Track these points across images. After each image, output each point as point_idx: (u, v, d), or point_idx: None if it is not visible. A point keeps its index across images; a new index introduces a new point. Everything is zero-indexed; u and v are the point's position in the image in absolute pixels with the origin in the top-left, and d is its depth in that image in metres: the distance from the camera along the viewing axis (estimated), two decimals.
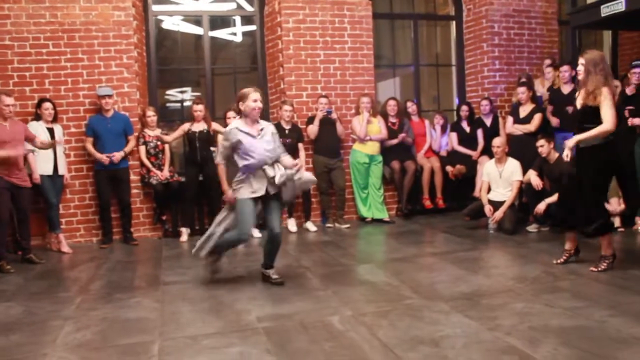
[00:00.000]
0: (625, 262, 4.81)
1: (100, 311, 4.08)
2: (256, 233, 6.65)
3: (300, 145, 7.19)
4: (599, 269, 4.54)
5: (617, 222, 6.07)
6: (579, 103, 4.60)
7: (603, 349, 3.02)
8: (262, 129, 4.50)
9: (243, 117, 4.51)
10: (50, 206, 6.22)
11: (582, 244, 4.99)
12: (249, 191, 4.44)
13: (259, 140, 4.44)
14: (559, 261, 4.89)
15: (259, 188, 4.44)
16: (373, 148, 7.37)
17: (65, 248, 6.26)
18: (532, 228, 6.41)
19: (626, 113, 6.06)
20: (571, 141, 4.59)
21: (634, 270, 4.58)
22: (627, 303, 3.80)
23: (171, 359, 3.16)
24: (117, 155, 6.49)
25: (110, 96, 6.51)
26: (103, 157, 6.41)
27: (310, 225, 7.05)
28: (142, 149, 6.78)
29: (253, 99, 4.43)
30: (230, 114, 6.76)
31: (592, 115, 4.45)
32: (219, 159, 4.60)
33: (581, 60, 4.51)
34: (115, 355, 3.25)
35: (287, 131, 7.07)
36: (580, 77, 4.55)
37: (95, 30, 6.72)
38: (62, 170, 6.36)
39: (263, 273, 4.71)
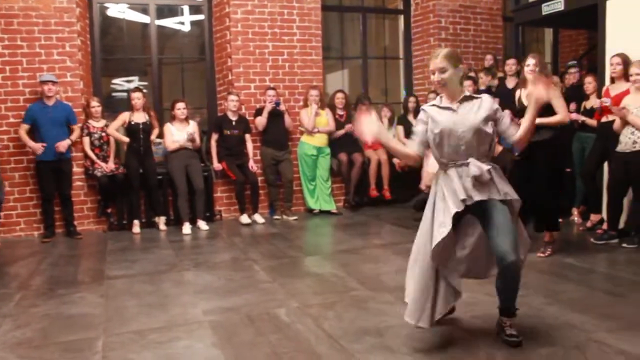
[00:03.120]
0: (562, 252, 5.02)
1: (42, 308, 3.99)
2: None
3: (248, 137, 7.18)
4: (546, 254, 4.90)
5: None
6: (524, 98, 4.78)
7: (540, 335, 3.16)
8: (463, 102, 3.10)
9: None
10: None
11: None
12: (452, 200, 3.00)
13: (459, 115, 3.07)
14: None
15: (455, 192, 3.00)
16: (321, 140, 7.42)
17: None
18: None
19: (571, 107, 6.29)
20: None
21: (570, 259, 4.80)
22: (562, 291, 3.97)
23: (116, 355, 3.12)
24: (64, 144, 6.27)
25: (52, 82, 6.30)
26: (37, 147, 6.17)
27: (257, 217, 7.03)
28: (86, 140, 6.62)
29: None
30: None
31: (541, 110, 4.65)
32: (415, 148, 3.19)
33: (532, 61, 4.77)
34: (57, 352, 3.18)
35: (234, 122, 7.05)
36: (531, 75, 4.70)
37: (35, 16, 6.48)
38: None
39: (498, 321, 3.20)
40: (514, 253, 2.90)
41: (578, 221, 6.28)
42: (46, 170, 6.30)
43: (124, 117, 6.57)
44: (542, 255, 4.90)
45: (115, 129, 6.58)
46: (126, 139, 6.56)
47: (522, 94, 4.92)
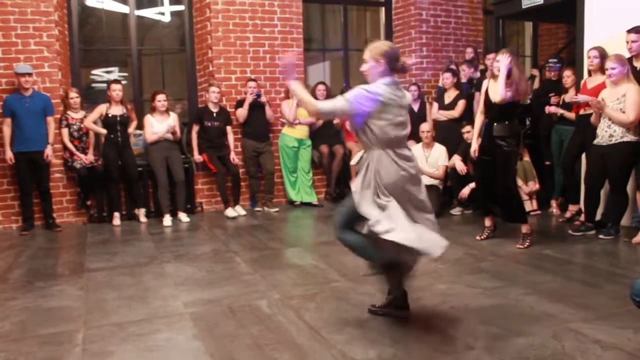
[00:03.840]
0: (540, 244, 5.09)
1: (20, 301, 3.94)
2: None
3: (229, 129, 7.15)
4: (524, 245, 4.97)
5: (533, 204, 6.40)
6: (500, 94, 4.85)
7: (517, 325, 3.21)
8: None
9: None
10: None
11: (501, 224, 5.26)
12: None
13: None
14: (481, 237, 5.30)
15: None
16: (302, 132, 7.41)
17: None
18: (455, 211, 6.64)
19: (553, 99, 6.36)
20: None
21: (547, 251, 4.86)
22: (540, 282, 4.02)
23: (96, 348, 3.10)
24: (49, 153, 6.26)
25: (29, 74, 6.20)
26: (10, 157, 6.12)
27: (239, 209, 7.02)
28: (65, 131, 6.54)
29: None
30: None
31: (513, 107, 4.93)
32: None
33: (507, 59, 4.78)
34: (36, 345, 3.15)
35: (214, 114, 7.02)
36: (505, 73, 4.76)
37: (11, 5, 6.35)
38: None
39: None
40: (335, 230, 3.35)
41: (557, 213, 6.37)
42: (23, 162, 6.19)
43: (101, 109, 6.50)
44: (520, 247, 4.97)
45: (92, 122, 6.51)
46: (104, 131, 6.50)
47: (489, 87, 5.03)
